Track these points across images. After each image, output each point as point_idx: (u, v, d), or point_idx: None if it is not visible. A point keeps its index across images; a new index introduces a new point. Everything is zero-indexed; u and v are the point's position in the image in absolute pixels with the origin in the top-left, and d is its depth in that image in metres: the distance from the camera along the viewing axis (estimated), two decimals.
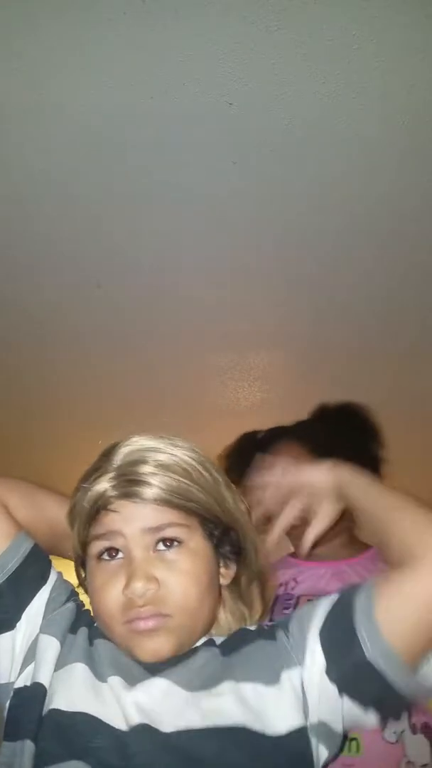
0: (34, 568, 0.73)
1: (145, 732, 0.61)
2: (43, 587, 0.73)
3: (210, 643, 0.71)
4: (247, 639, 0.71)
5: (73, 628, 0.72)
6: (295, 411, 2.07)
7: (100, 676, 0.66)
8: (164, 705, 0.63)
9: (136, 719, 0.62)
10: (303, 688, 0.65)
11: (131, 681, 0.66)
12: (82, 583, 0.76)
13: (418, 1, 1.07)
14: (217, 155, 1.35)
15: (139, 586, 0.64)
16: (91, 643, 0.71)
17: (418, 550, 0.66)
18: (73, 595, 0.75)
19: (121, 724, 0.62)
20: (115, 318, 1.87)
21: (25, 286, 1.73)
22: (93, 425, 2.36)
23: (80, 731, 0.62)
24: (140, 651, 0.66)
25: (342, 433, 1.24)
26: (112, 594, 0.66)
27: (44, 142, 1.31)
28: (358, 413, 1.30)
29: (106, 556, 0.69)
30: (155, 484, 0.68)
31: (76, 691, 0.64)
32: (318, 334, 1.94)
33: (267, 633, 0.72)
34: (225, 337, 1.96)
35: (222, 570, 0.74)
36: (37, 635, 0.70)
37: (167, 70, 1.17)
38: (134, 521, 0.67)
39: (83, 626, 0.72)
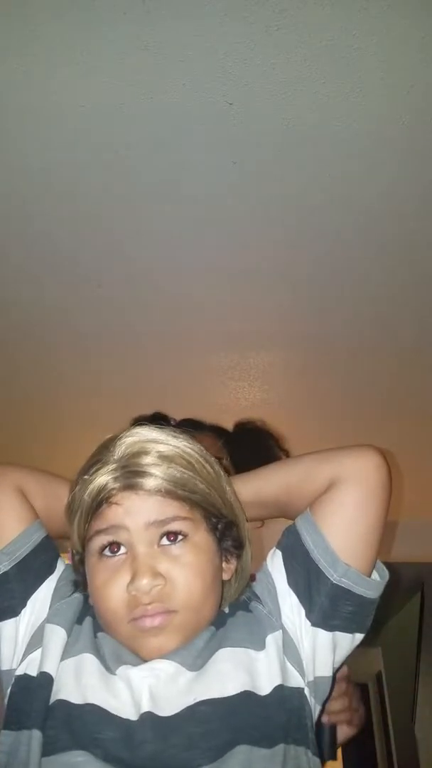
0: (42, 558, 0.74)
1: (149, 720, 0.61)
2: (51, 576, 0.74)
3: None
4: (230, 612, 0.72)
5: (80, 619, 0.71)
6: (295, 411, 2.08)
7: (109, 668, 0.66)
8: (169, 688, 0.63)
9: (143, 707, 0.61)
10: (294, 647, 0.67)
11: (136, 665, 0.65)
12: (79, 582, 0.75)
13: (418, 1, 1.07)
14: (217, 155, 1.35)
15: (144, 582, 0.63)
16: (95, 634, 0.70)
17: (332, 472, 0.72)
18: (79, 585, 0.74)
19: (129, 714, 0.61)
20: (115, 318, 1.87)
21: (25, 286, 1.73)
22: (93, 425, 2.36)
23: (89, 722, 0.61)
24: (145, 650, 0.65)
25: (252, 450, 1.24)
26: (115, 591, 0.65)
27: (44, 142, 1.31)
28: (274, 442, 1.31)
29: (107, 552, 0.67)
30: (158, 475, 0.67)
31: (85, 683, 0.64)
32: (318, 334, 1.93)
33: (242, 605, 0.73)
34: (225, 337, 1.96)
35: (224, 565, 0.73)
36: (43, 623, 0.70)
37: (167, 70, 1.17)
38: (138, 514, 0.66)
39: (88, 616, 0.71)
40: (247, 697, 0.62)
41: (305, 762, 0.62)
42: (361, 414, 2.36)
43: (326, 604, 0.67)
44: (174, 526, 0.67)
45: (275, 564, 0.73)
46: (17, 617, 0.70)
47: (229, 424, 1.36)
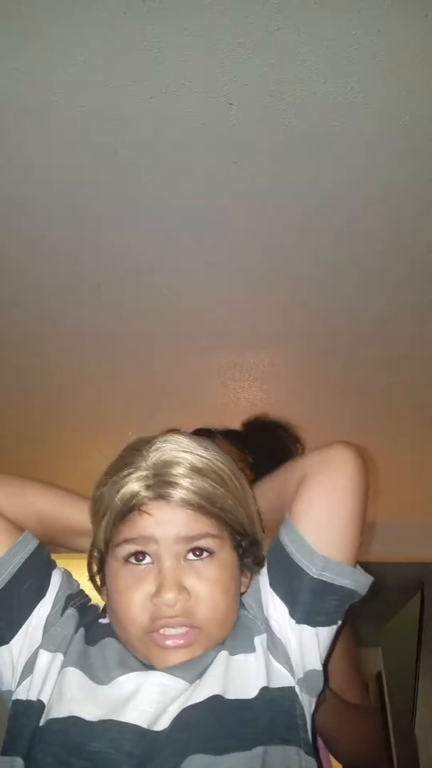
0: (28, 583, 0.71)
1: (142, 734, 0.60)
2: (42, 600, 0.71)
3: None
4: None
5: (76, 629, 0.71)
6: (295, 411, 2.07)
7: (99, 679, 0.65)
8: (172, 705, 0.62)
9: (135, 720, 0.61)
10: (283, 646, 0.67)
11: (139, 676, 0.65)
12: (93, 576, 0.74)
13: (418, 1, 1.07)
14: (217, 155, 1.35)
15: (170, 596, 0.63)
16: (93, 642, 0.69)
17: (304, 469, 0.72)
18: (72, 599, 0.73)
19: (113, 726, 0.61)
20: (115, 318, 1.87)
21: (25, 286, 1.73)
22: (93, 425, 2.36)
23: (73, 737, 0.60)
24: (160, 662, 0.65)
25: (266, 445, 1.24)
26: (137, 599, 0.65)
27: (44, 142, 1.31)
28: (286, 432, 1.31)
29: (133, 560, 0.67)
30: (191, 489, 0.67)
31: (69, 699, 0.63)
32: (318, 334, 1.94)
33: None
34: (225, 337, 1.96)
35: (243, 579, 0.74)
36: (37, 650, 0.68)
37: (167, 70, 1.17)
38: (168, 526, 0.66)
39: (82, 626, 0.71)
40: (236, 705, 0.62)
41: (296, 762, 0.61)
42: (361, 414, 2.36)
43: (309, 600, 0.67)
44: (202, 543, 0.67)
45: (262, 573, 0.73)
46: (8, 645, 0.69)
47: (229, 424, 1.36)
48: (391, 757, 3.12)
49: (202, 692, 0.62)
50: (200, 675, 0.65)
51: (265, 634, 0.68)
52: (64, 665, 0.66)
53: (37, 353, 2.02)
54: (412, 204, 1.47)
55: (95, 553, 0.73)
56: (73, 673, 0.65)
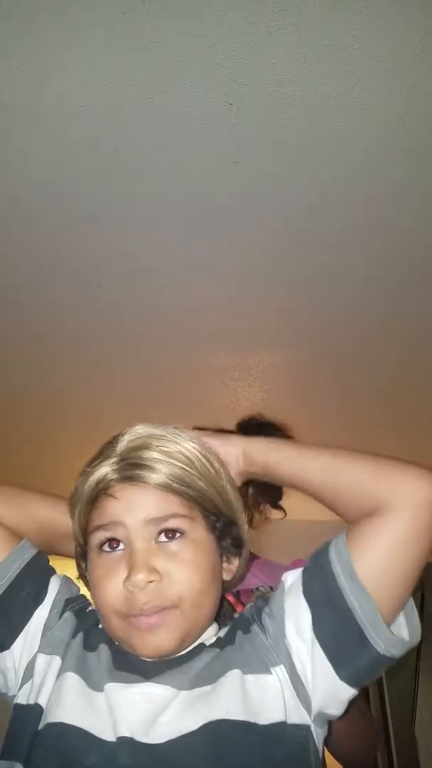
0: (27, 590, 0.71)
1: (136, 746, 0.59)
2: (41, 606, 0.71)
3: (201, 647, 0.69)
4: (229, 633, 0.71)
5: (74, 634, 0.71)
6: (295, 411, 2.08)
7: (95, 686, 0.65)
8: (162, 714, 0.61)
9: (127, 732, 0.60)
10: (302, 684, 0.64)
11: (129, 687, 0.64)
12: (82, 575, 0.75)
13: (418, 1, 1.07)
14: (217, 155, 1.35)
15: (140, 577, 0.63)
16: (92, 648, 0.69)
17: (381, 495, 0.64)
18: (70, 603, 0.73)
19: (111, 737, 0.60)
20: (115, 318, 1.87)
21: (25, 286, 1.73)
22: (93, 425, 2.36)
23: (71, 746, 0.60)
24: (142, 647, 0.65)
25: None
26: (112, 586, 0.65)
27: (44, 142, 1.31)
28: (280, 432, 1.30)
29: (107, 548, 0.68)
30: (158, 469, 0.67)
31: (67, 703, 0.63)
32: (318, 334, 1.94)
33: (242, 624, 0.71)
34: (225, 337, 1.96)
35: (225, 565, 0.73)
36: (36, 654, 0.68)
37: (167, 70, 1.17)
38: (136, 510, 0.66)
39: (81, 631, 0.71)
40: (246, 729, 0.60)
41: None
42: (360, 414, 2.36)
43: (364, 668, 0.63)
44: (172, 524, 0.67)
45: (293, 600, 0.67)
46: (9, 650, 0.69)
47: (229, 425, 1.36)
48: (391, 757, 3.12)
49: (210, 712, 0.61)
50: (191, 681, 0.64)
51: (283, 666, 0.65)
52: (62, 670, 0.66)
53: (36, 353, 2.02)
54: (412, 204, 1.47)
55: (78, 549, 0.74)
56: (72, 678, 0.65)
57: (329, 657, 0.63)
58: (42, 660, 0.67)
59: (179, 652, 0.67)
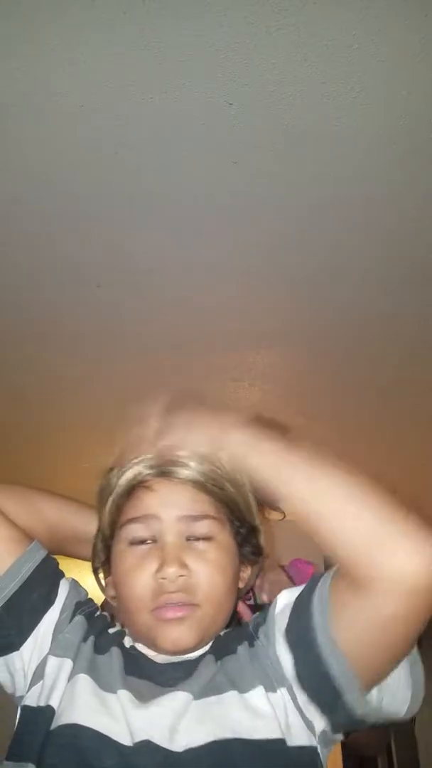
0: (39, 591, 0.71)
1: (153, 751, 0.59)
2: (52, 607, 0.71)
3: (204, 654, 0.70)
4: (232, 643, 0.70)
5: (85, 638, 0.71)
6: (295, 411, 2.07)
7: (109, 687, 0.65)
8: (180, 720, 0.62)
9: (143, 735, 0.60)
10: (299, 704, 0.63)
11: (142, 698, 0.64)
12: (96, 569, 0.76)
13: (418, 1, 1.07)
14: (217, 155, 1.35)
15: (172, 570, 0.65)
16: (102, 651, 0.69)
17: (371, 569, 0.56)
18: (80, 606, 0.74)
19: (127, 740, 0.60)
20: (114, 318, 1.87)
21: (25, 286, 1.73)
22: (93, 425, 2.36)
23: (87, 748, 0.60)
24: (163, 639, 0.65)
25: None
26: (142, 577, 0.66)
27: (44, 142, 1.31)
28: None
29: (137, 542, 0.69)
30: (192, 466, 0.68)
31: (80, 705, 0.63)
32: (318, 334, 1.94)
33: (246, 635, 0.70)
34: (225, 337, 1.96)
35: (242, 573, 0.74)
36: (46, 657, 0.68)
37: (167, 70, 1.17)
38: (171, 506, 0.68)
39: (92, 635, 0.71)
40: (271, 745, 0.60)
41: None
42: (361, 414, 2.36)
43: (345, 724, 0.63)
44: (203, 526, 0.69)
45: (279, 636, 0.65)
46: (18, 651, 0.69)
47: None
48: (391, 757, 3.12)
49: (217, 728, 0.61)
50: (202, 689, 0.64)
51: (285, 689, 0.63)
52: (74, 672, 0.66)
53: (37, 353, 2.02)
54: (412, 204, 1.47)
55: (100, 543, 0.74)
56: (84, 680, 0.65)
57: (321, 712, 0.62)
58: (53, 662, 0.68)
59: (192, 652, 0.68)
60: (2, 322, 1.88)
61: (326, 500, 0.60)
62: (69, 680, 0.66)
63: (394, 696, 0.62)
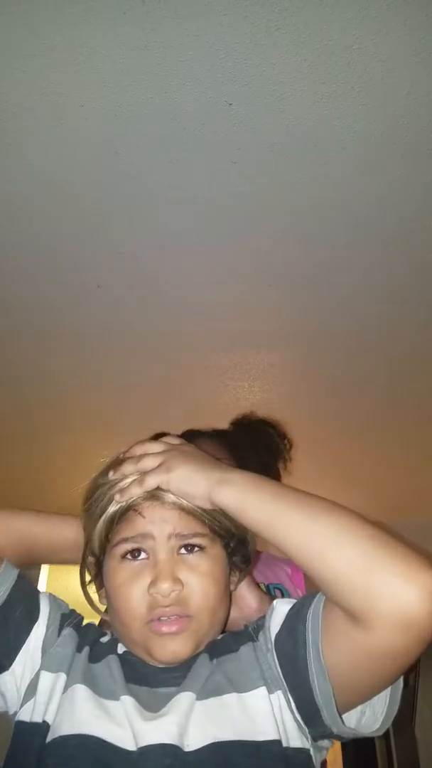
0: (20, 610, 0.71)
1: (160, 755, 0.60)
2: (36, 624, 0.71)
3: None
4: (233, 643, 0.71)
5: (79, 648, 0.71)
6: (295, 411, 2.07)
7: (110, 694, 0.65)
8: (188, 722, 0.62)
9: (151, 740, 0.61)
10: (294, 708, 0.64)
11: (146, 703, 0.65)
12: (85, 584, 0.76)
13: (418, 1, 1.07)
14: (217, 155, 1.35)
15: (166, 586, 0.66)
16: (97, 659, 0.70)
17: (365, 604, 0.56)
18: (66, 618, 0.74)
19: (131, 745, 0.61)
20: (115, 318, 1.87)
21: (25, 286, 1.73)
22: (92, 425, 2.36)
23: (91, 756, 0.61)
24: (160, 652, 0.67)
25: (253, 444, 1.23)
26: (136, 592, 0.68)
27: (44, 142, 1.31)
28: (273, 429, 1.30)
29: (129, 556, 0.70)
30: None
31: (80, 714, 0.63)
32: (318, 334, 1.94)
33: (246, 636, 0.71)
34: (225, 337, 1.96)
35: (232, 578, 0.76)
36: (38, 672, 0.68)
37: (167, 70, 1.17)
38: (164, 525, 0.69)
39: (86, 645, 0.71)
40: (270, 746, 0.61)
41: None
42: (361, 414, 2.36)
43: (324, 735, 0.65)
44: (194, 541, 0.70)
45: (270, 646, 0.67)
46: (9, 670, 0.69)
47: (226, 425, 1.36)
48: (391, 757, 3.12)
49: (217, 730, 0.62)
50: (204, 688, 0.65)
51: (281, 692, 0.65)
52: (68, 683, 0.67)
53: (36, 352, 2.02)
54: (412, 204, 1.47)
55: (90, 559, 0.75)
56: (82, 690, 0.66)
57: (302, 720, 0.64)
58: (46, 678, 0.68)
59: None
60: (2, 322, 1.88)
61: (320, 543, 0.61)
62: (64, 692, 0.66)
63: (374, 710, 0.64)
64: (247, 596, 0.80)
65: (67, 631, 0.72)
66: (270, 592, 1.10)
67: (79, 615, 0.76)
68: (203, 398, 2.24)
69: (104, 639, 0.75)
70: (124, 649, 0.72)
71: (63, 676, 0.68)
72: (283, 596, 1.08)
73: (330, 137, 1.30)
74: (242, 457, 1.13)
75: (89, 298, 1.77)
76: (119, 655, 0.71)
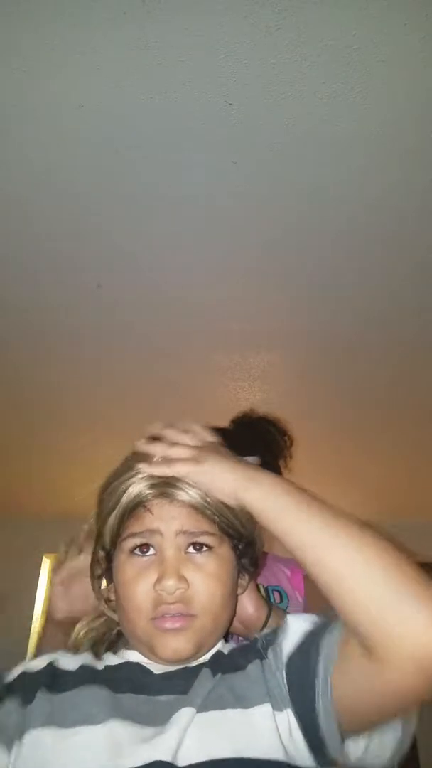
0: None
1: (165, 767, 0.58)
2: None
3: (200, 665, 0.69)
4: (243, 659, 0.69)
5: (26, 702, 0.65)
6: (295, 411, 2.07)
7: (91, 719, 0.62)
8: (185, 736, 0.61)
9: (149, 758, 0.59)
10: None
11: (141, 717, 0.63)
12: (94, 578, 0.76)
13: (418, 1, 1.07)
14: (217, 155, 1.35)
15: (171, 583, 0.66)
16: (66, 689, 0.66)
17: (382, 640, 0.55)
18: (8, 690, 0.68)
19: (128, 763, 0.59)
20: (115, 318, 1.87)
21: (25, 286, 1.73)
22: (92, 425, 2.36)
23: None
24: (162, 649, 0.66)
25: (253, 442, 1.23)
26: (142, 588, 0.68)
27: (44, 142, 1.31)
28: (273, 426, 1.30)
29: (137, 552, 0.70)
30: (190, 492, 0.70)
31: (48, 759, 0.60)
32: (318, 334, 1.94)
33: (255, 652, 0.69)
34: (225, 337, 1.96)
35: (240, 581, 0.76)
36: None
37: (167, 70, 1.17)
38: (172, 522, 0.70)
39: (36, 690, 0.66)
40: (271, 765, 0.59)
41: None
42: (361, 414, 2.36)
43: (327, 762, 0.63)
44: (202, 539, 0.70)
45: (281, 665, 0.65)
46: None
47: (225, 424, 1.36)
48: None
49: (217, 748, 0.60)
50: (206, 701, 0.63)
51: (289, 710, 0.63)
52: (23, 742, 0.62)
53: (36, 352, 2.02)
54: (412, 204, 1.47)
55: (100, 552, 0.75)
56: (41, 734, 0.61)
57: (305, 734, 0.62)
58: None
59: (191, 662, 0.68)
60: (2, 322, 1.88)
61: (342, 568, 0.59)
62: (21, 748, 0.61)
63: (382, 740, 0.62)
64: (243, 600, 0.80)
65: (7, 707, 0.66)
66: (269, 595, 1.10)
67: (9, 672, 0.71)
68: (203, 398, 2.24)
69: (72, 666, 0.70)
70: (119, 660, 0.71)
71: (16, 743, 0.62)
72: (281, 598, 1.07)
73: (330, 137, 1.30)
74: (243, 455, 1.12)
75: (89, 298, 1.78)
76: (113, 666, 0.69)
